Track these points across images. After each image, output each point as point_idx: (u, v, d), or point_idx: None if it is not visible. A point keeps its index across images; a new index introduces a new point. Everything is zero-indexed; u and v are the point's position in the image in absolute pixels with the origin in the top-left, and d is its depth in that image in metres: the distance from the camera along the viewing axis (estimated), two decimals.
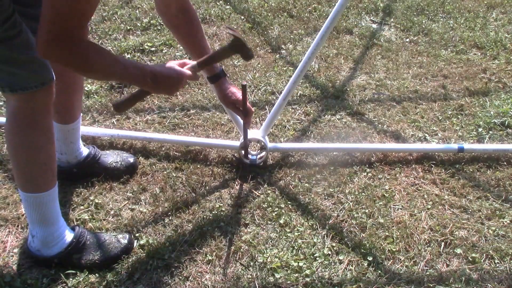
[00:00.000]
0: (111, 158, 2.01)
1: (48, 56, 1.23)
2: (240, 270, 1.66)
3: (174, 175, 2.02)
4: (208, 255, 1.70)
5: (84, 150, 1.98)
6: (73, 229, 1.67)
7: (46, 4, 1.14)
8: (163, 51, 2.83)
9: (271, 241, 1.76)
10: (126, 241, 1.69)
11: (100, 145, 2.17)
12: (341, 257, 1.70)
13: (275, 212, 1.87)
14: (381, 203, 1.92)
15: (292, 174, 2.05)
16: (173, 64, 1.47)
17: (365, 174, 2.06)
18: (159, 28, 3.05)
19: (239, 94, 1.78)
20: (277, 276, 1.63)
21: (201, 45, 1.72)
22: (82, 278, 1.60)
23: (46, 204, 1.56)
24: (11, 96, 1.43)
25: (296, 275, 1.64)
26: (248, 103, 1.79)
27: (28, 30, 1.35)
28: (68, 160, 1.93)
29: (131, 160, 2.03)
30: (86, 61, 1.25)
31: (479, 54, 2.91)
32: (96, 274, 1.61)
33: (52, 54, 1.21)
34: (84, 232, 1.67)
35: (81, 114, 1.92)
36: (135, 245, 1.73)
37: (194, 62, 1.55)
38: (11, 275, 1.61)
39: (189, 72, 1.49)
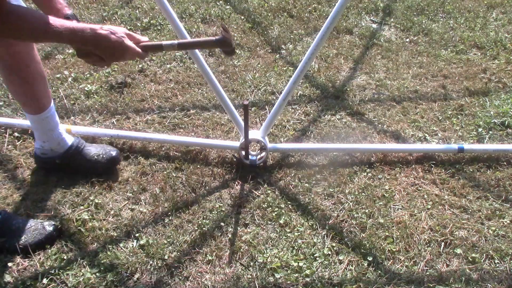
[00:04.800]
0: (94, 150, 2.03)
1: None
2: (240, 270, 1.66)
3: (174, 175, 2.02)
4: (208, 255, 1.70)
5: (69, 139, 2.00)
6: None
7: None
8: (163, 51, 2.83)
9: (271, 241, 1.76)
10: (51, 229, 1.72)
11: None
12: (341, 257, 1.70)
13: (275, 212, 1.87)
14: (381, 203, 1.92)
15: (292, 174, 2.05)
16: (127, 34, 1.46)
17: (365, 174, 2.06)
18: (159, 28, 3.05)
19: None
20: (277, 276, 1.63)
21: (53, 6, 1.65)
22: (82, 278, 1.60)
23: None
24: None
25: (296, 275, 1.64)
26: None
27: None
28: (51, 147, 1.96)
29: (114, 153, 2.04)
30: (12, 30, 1.27)
31: (479, 54, 2.91)
32: (97, 274, 1.62)
33: None
34: (10, 217, 1.71)
35: (52, 102, 1.90)
36: (135, 245, 1.73)
37: (175, 42, 1.52)
38: (11, 275, 1.61)
39: (134, 48, 1.46)
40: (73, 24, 1.38)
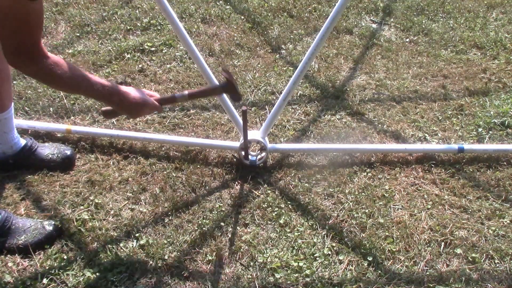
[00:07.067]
0: (48, 150, 2.04)
1: (16, 67, 1.39)
2: (240, 270, 1.66)
3: (174, 175, 2.02)
4: (208, 255, 1.70)
5: (21, 141, 2.00)
6: None
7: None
8: (163, 51, 2.83)
9: (271, 241, 1.76)
10: (51, 228, 1.73)
11: (100, 145, 2.17)
12: (341, 257, 1.70)
13: (275, 212, 1.87)
14: (381, 203, 1.92)
15: (292, 174, 2.05)
16: (142, 91, 1.59)
17: (365, 174, 2.06)
18: (159, 28, 3.05)
19: None
20: (277, 276, 1.63)
21: None
22: (82, 278, 1.60)
23: None
24: None
25: (296, 275, 1.64)
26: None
27: None
28: (3, 150, 1.96)
29: (68, 152, 2.05)
30: (50, 75, 1.37)
31: (479, 54, 2.91)
32: (97, 274, 1.62)
33: (17, 66, 1.37)
34: (10, 217, 1.71)
35: (12, 104, 1.89)
36: (135, 245, 1.73)
37: (186, 92, 1.67)
38: (11, 275, 1.61)
39: (153, 102, 1.60)
40: (101, 79, 1.49)
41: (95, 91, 1.47)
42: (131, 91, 1.54)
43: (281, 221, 1.83)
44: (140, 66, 2.70)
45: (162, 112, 1.78)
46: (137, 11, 3.21)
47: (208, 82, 1.97)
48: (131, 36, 2.98)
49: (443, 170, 2.08)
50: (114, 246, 1.72)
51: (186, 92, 1.67)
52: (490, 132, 2.29)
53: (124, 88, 1.54)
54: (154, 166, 2.07)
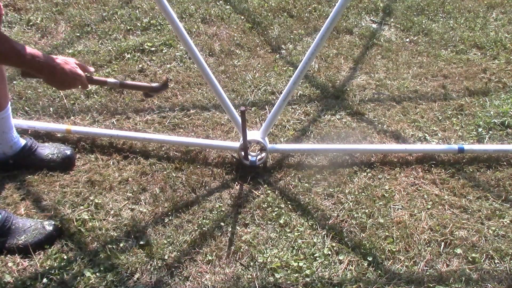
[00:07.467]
0: (48, 150, 2.04)
1: None
2: (240, 270, 1.66)
3: (174, 175, 2.02)
4: (208, 255, 1.70)
5: (21, 141, 2.00)
6: None
7: None
8: (163, 51, 2.83)
9: (271, 241, 1.76)
10: (51, 228, 1.73)
11: (100, 145, 2.17)
12: (341, 257, 1.70)
13: (275, 212, 1.87)
14: (381, 203, 1.92)
15: (292, 174, 2.05)
16: (77, 63, 1.56)
17: (365, 174, 2.06)
18: (159, 28, 3.05)
19: None
20: (277, 276, 1.63)
21: None
22: (82, 278, 1.60)
23: None
24: None
25: (296, 275, 1.64)
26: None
27: None
28: (3, 150, 1.96)
29: (68, 152, 2.05)
30: None
31: (479, 54, 2.91)
32: (97, 274, 1.62)
33: None
34: (10, 217, 1.71)
35: (9, 104, 1.88)
36: (135, 245, 1.73)
37: (117, 81, 1.73)
38: (11, 275, 1.61)
39: (83, 78, 1.57)
40: (33, 50, 1.42)
41: (24, 62, 1.40)
42: (64, 65, 1.50)
43: (281, 221, 1.83)
44: (140, 66, 2.70)
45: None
46: (137, 11, 3.21)
47: (208, 82, 1.97)
48: (131, 36, 2.98)
49: (443, 170, 2.08)
50: (114, 246, 1.72)
51: (118, 81, 1.73)
52: (490, 132, 2.29)
53: (57, 60, 1.48)
54: (154, 166, 2.07)
